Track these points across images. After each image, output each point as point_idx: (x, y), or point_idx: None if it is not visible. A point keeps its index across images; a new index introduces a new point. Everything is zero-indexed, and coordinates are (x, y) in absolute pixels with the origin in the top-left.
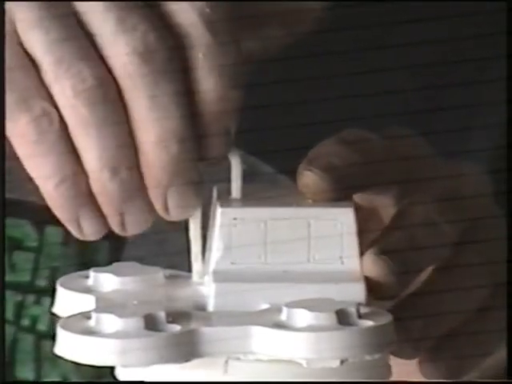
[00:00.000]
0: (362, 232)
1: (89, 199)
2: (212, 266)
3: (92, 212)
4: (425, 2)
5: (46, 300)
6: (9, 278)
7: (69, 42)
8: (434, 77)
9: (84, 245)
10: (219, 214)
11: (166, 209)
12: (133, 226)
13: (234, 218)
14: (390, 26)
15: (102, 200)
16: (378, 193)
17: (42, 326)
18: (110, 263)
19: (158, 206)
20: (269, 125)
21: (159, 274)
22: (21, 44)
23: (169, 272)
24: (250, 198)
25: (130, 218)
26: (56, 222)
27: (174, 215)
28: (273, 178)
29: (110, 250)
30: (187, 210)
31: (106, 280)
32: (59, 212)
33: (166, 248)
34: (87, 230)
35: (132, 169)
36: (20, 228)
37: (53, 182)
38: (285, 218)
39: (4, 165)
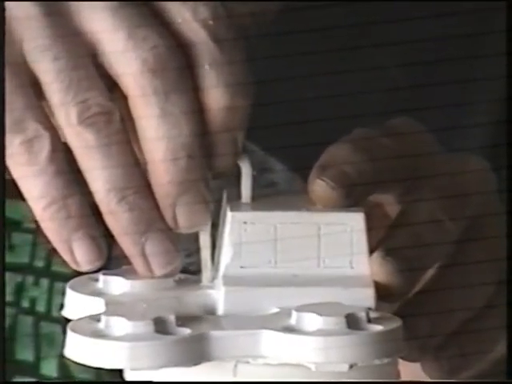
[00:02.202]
0: (368, 230)
1: (84, 223)
2: (222, 269)
3: (86, 238)
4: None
5: (44, 281)
6: (8, 259)
7: (77, 71)
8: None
9: None
10: (229, 217)
11: (175, 221)
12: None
13: (244, 222)
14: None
15: (110, 222)
16: (385, 191)
17: (40, 308)
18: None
19: (168, 218)
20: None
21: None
22: (25, 64)
23: (178, 276)
24: (260, 202)
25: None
26: None
27: (184, 228)
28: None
29: (105, 230)
30: (196, 223)
31: (115, 283)
32: (50, 235)
33: None
34: (81, 258)
35: (140, 190)
36: (18, 209)
37: (42, 203)
38: (295, 222)
39: (4, 166)
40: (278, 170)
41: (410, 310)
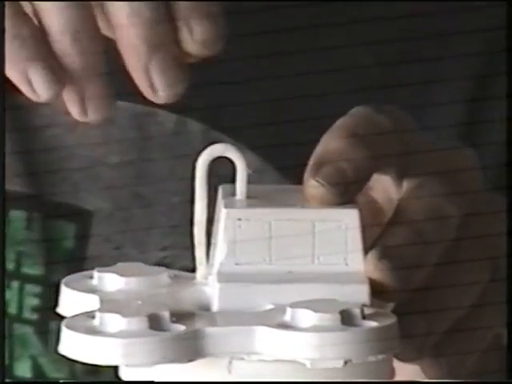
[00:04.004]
0: (363, 227)
1: (42, 57)
2: (216, 266)
3: (44, 69)
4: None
5: (15, 283)
6: None
7: None
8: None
9: (48, 229)
10: (224, 214)
11: (153, 88)
12: (94, 111)
13: (239, 219)
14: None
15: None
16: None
17: (12, 310)
18: (76, 245)
19: (144, 86)
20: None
21: (163, 274)
22: None
23: (173, 272)
24: (255, 198)
25: (91, 102)
26: (19, 206)
27: (162, 94)
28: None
29: (76, 231)
30: (175, 86)
31: (110, 280)
32: (9, 70)
33: (132, 225)
34: (39, 88)
35: (95, 39)
36: None
37: (7, 37)
38: (289, 218)
39: (4, 163)
40: (251, 160)
41: (407, 308)
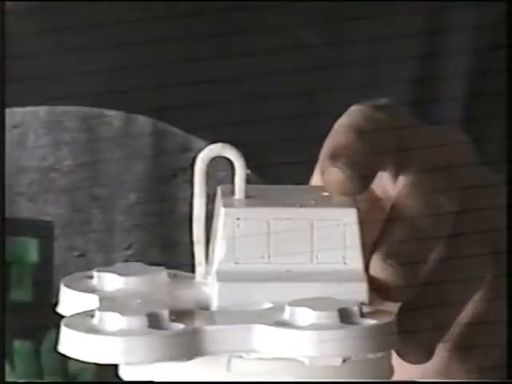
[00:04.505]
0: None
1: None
2: (215, 265)
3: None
4: None
5: None
6: None
7: None
8: None
9: (10, 249)
10: (222, 213)
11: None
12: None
13: (238, 218)
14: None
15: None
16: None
17: None
18: (41, 259)
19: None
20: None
21: (163, 273)
22: None
23: (173, 272)
24: (254, 197)
25: None
26: None
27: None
28: None
29: (39, 245)
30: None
31: (109, 280)
32: None
33: (93, 228)
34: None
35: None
36: None
37: None
38: (288, 218)
39: (4, 167)
40: (200, 148)
41: (413, 305)
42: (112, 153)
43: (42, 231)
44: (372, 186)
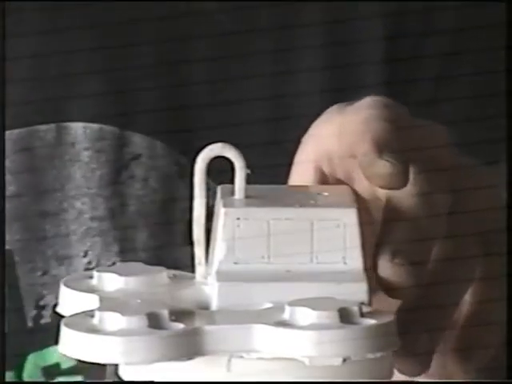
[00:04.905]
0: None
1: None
2: (215, 265)
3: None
4: None
5: None
6: None
7: None
8: None
9: None
10: (222, 213)
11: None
12: None
13: (238, 218)
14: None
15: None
16: None
17: None
18: (8, 289)
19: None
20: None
21: (163, 273)
22: None
23: (172, 272)
24: (253, 197)
25: None
26: None
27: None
28: None
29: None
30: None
31: (109, 279)
32: None
33: (48, 244)
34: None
35: None
36: None
37: None
38: (288, 218)
39: (4, 166)
40: (137, 141)
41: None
42: (51, 166)
43: (5, 261)
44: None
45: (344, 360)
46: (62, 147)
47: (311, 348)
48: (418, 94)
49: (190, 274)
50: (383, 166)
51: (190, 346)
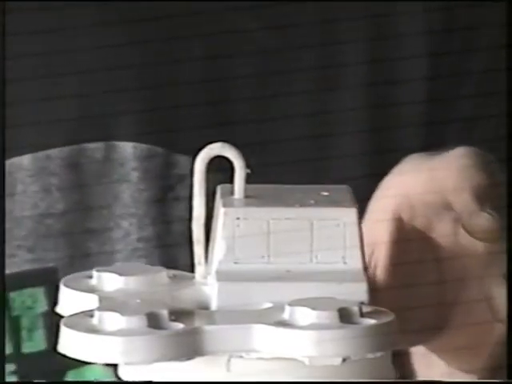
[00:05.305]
0: None
1: None
2: (215, 265)
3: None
4: None
5: None
6: None
7: None
8: None
9: (20, 303)
10: (222, 213)
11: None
12: None
13: (237, 218)
14: None
15: None
16: None
17: None
18: (50, 306)
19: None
20: None
21: (162, 273)
22: None
23: (172, 272)
24: (253, 197)
25: None
26: None
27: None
28: None
29: (48, 294)
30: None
31: (109, 279)
32: None
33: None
34: None
35: None
36: None
37: None
38: (288, 217)
39: (4, 165)
40: (183, 162)
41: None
42: (98, 184)
43: (47, 278)
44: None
45: (344, 360)
46: (110, 166)
47: (311, 348)
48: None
49: (189, 274)
50: (486, 219)
51: (189, 346)
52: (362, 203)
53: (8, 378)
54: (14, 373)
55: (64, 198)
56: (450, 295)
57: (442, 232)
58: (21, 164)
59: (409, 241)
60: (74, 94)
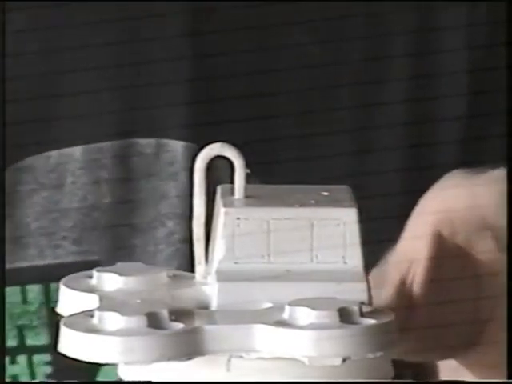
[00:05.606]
0: None
1: None
2: (215, 265)
3: None
4: None
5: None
6: None
7: None
8: None
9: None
10: (222, 213)
11: None
12: None
13: (238, 218)
14: None
15: None
16: None
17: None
18: None
19: None
20: None
21: (162, 273)
22: None
23: (172, 272)
24: (253, 197)
25: None
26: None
27: None
28: None
29: None
30: None
31: (109, 279)
32: None
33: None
34: None
35: None
36: None
37: None
38: (288, 217)
39: (4, 167)
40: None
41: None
42: (148, 181)
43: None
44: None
45: (344, 360)
46: (159, 163)
47: (311, 348)
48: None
49: (189, 274)
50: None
51: (189, 346)
52: (361, 203)
53: (42, 369)
54: (47, 363)
55: (112, 192)
56: (486, 311)
57: (482, 249)
58: (72, 155)
59: (448, 257)
60: (131, 87)
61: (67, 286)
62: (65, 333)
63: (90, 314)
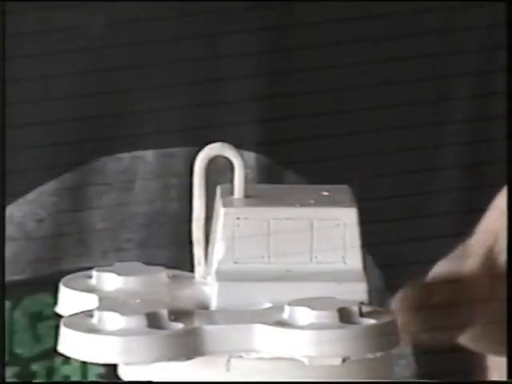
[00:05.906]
0: None
1: None
2: (215, 265)
3: None
4: None
5: None
6: (37, 348)
7: None
8: None
9: None
10: (222, 213)
11: None
12: None
13: (237, 218)
14: None
15: None
16: None
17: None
18: None
19: None
20: None
21: (162, 273)
22: None
23: (172, 272)
24: (253, 197)
25: None
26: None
27: None
28: None
29: None
30: None
31: (108, 279)
32: None
33: None
34: None
35: None
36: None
37: None
38: (288, 217)
39: (5, 168)
40: (289, 176)
41: None
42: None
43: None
44: None
45: (343, 360)
46: (229, 174)
47: (310, 348)
48: None
49: (189, 274)
50: None
51: (189, 346)
52: (362, 203)
53: (94, 370)
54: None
55: (179, 198)
56: None
57: None
58: (144, 158)
59: None
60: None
61: (67, 285)
62: (64, 333)
63: (89, 314)
